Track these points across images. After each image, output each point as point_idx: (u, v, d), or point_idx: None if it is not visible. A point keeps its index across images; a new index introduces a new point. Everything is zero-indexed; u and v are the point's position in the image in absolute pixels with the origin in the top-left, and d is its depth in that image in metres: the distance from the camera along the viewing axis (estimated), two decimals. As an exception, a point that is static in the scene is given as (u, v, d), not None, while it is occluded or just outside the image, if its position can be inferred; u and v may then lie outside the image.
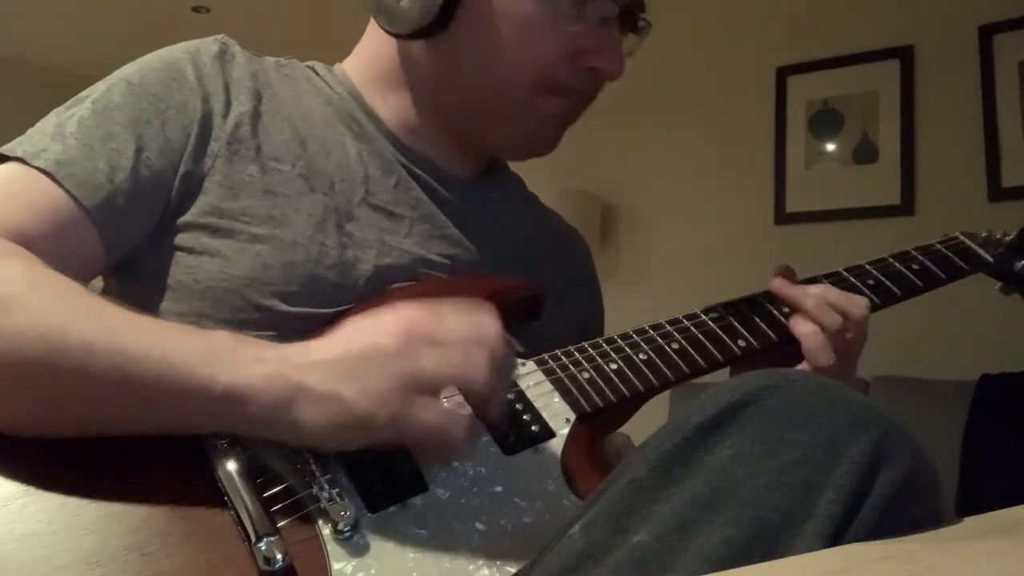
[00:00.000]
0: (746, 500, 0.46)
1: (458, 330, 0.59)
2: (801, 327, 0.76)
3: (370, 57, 0.84)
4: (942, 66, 2.68)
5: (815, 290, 0.78)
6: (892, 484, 0.46)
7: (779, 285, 0.79)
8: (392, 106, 0.82)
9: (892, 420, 0.49)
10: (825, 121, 2.89)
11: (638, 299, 2.34)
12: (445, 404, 0.57)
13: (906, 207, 2.68)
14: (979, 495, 2.09)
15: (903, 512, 0.47)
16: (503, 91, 0.77)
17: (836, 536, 0.45)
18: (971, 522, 0.51)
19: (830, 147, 2.87)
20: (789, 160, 2.93)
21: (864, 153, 2.80)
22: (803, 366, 0.77)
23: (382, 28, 0.79)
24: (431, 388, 0.57)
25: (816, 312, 0.76)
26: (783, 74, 2.96)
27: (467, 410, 0.58)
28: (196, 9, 3.82)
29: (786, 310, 0.79)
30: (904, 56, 2.74)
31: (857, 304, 0.78)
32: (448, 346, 0.58)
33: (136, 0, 3.68)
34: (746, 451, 0.48)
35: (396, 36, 0.79)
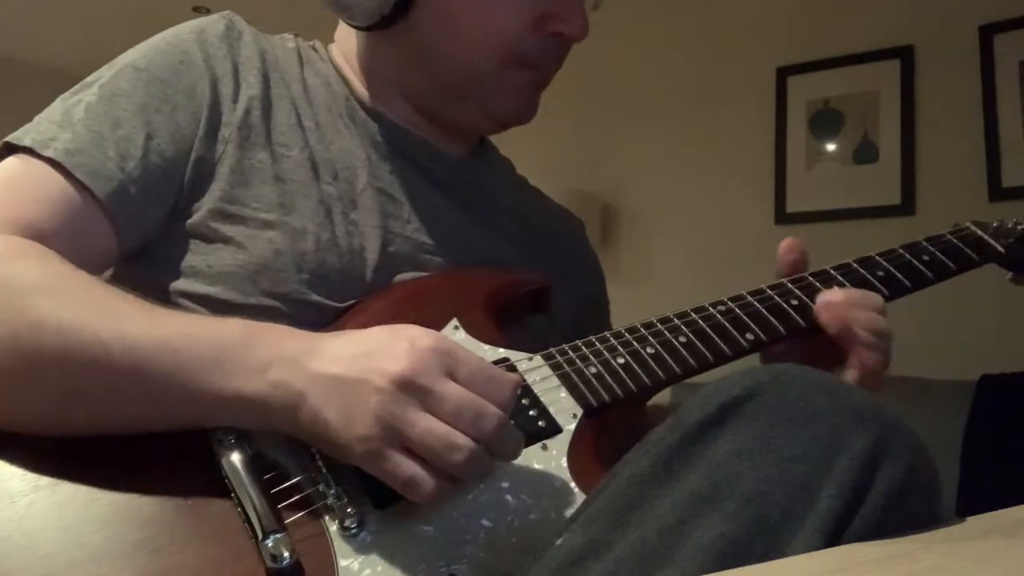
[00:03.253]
0: (746, 495, 0.46)
1: (459, 399, 0.55)
2: (860, 354, 0.72)
3: (345, 46, 0.85)
4: (942, 66, 2.68)
5: (880, 325, 0.73)
6: (893, 481, 0.46)
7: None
8: (377, 92, 0.83)
9: (893, 417, 0.49)
10: (825, 121, 2.88)
11: (638, 299, 2.33)
12: (415, 467, 0.55)
13: (906, 207, 2.68)
14: (979, 495, 2.08)
15: (904, 509, 0.47)
16: (473, 71, 0.77)
17: (836, 532, 0.45)
18: (971, 522, 0.51)
19: (830, 147, 2.87)
20: (789, 160, 2.92)
21: (864, 153, 2.79)
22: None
23: (345, 22, 0.80)
24: (408, 443, 0.55)
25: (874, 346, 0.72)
26: (783, 74, 2.96)
27: (435, 481, 0.55)
28: (196, 9, 3.82)
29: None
30: (904, 56, 2.73)
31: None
32: (441, 411, 0.55)
33: (136, 0, 3.68)
34: (747, 446, 0.48)
35: (358, 28, 0.79)
